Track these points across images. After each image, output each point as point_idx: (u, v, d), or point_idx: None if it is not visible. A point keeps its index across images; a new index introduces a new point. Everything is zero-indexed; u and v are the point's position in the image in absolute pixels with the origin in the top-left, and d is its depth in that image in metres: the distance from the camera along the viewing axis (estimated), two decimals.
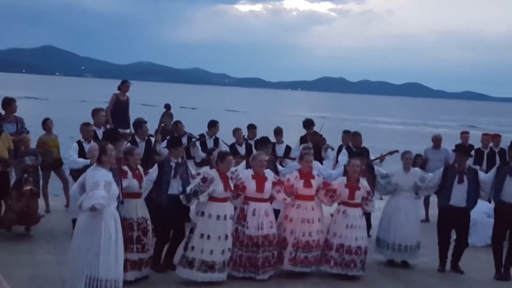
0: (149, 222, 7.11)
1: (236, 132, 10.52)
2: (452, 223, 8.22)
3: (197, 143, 10.10)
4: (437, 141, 11.62)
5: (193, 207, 7.38)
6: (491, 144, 11.50)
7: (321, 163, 10.30)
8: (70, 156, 8.41)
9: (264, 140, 8.43)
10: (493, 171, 8.33)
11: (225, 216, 7.08)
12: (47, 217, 9.41)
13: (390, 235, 8.36)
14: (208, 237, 6.96)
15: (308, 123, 10.71)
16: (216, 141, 10.61)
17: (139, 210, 7.00)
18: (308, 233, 7.46)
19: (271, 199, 7.45)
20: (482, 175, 8.38)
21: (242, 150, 10.30)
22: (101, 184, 5.80)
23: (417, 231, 8.47)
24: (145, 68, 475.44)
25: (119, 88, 11.15)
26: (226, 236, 7.08)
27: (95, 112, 9.74)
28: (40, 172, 9.95)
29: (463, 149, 8.52)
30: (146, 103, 46.16)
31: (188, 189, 7.03)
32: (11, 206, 8.57)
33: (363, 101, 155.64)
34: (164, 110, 10.15)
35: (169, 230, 7.50)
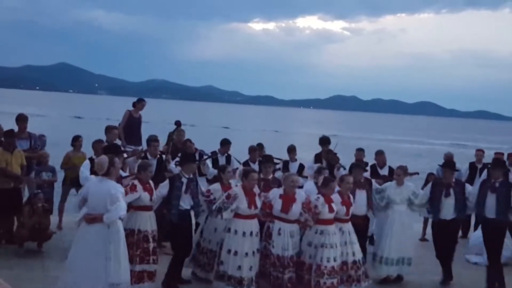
0: (157, 234, 7.36)
1: (252, 150, 10.48)
2: (444, 236, 8.29)
3: (208, 160, 10.10)
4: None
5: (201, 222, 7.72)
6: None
7: None
8: (82, 172, 8.43)
9: (267, 158, 8.59)
10: (477, 186, 8.44)
11: (251, 232, 7.15)
12: (59, 234, 9.43)
13: (385, 249, 8.37)
14: (236, 253, 7.06)
15: (324, 141, 10.69)
16: (229, 158, 10.61)
17: (153, 222, 7.26)
18: (333, 258, 7.27)
19: (298, 220, 7.32)
20: (469, 188, 8.51)
21: (255, 168, 10.26)
22: (120, 196, 6.23)
23: (411, 244, 8.56)
24: (158, 85, 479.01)
25: (133, 105, 11.21)
26: (253, 253, 7.14)
27: (108, 130, 9.79)
28: (60, 189, 10.06)
29: (448, 164, 8.68)
30: (159, 121, 46.37)
31: (214, 206, 7.28)
32: (23, 222, 8.61)
33: (376, 119, 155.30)
34: (175, 127, 10.17)
35: (189, 245, 7.67)
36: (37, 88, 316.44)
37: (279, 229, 7.18)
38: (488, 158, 11.83)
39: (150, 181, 7.41)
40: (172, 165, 9.36)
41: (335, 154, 10.41)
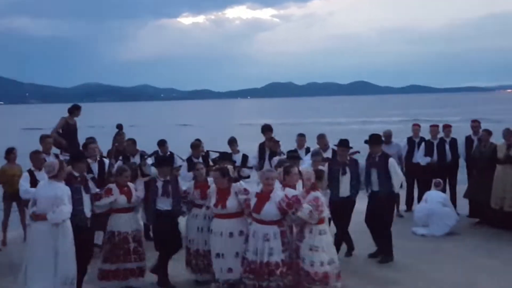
0: (142, 233, 7.76)
1: (194, 146, 10.38)
2: (341, 213, 8.50)
3: (149, 160, 9.99)
4: (388, 136, 11.77)
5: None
6: (441, 135, 11.77)
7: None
8: (21, 186, 8.17)
9: (225, 155, 8.50)
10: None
11: (230, 233, 6.86)
12: (3, 250, 9.14)
13: None
14: (213, 253, 6.99)
15: (266, 128, 10.67)
16: (171, 156, 10.52)
17: (132, 223, 7.52)
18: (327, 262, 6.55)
19: (278, 222, 6.49)
20: (361, 164, 8.82)
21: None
22: (65, 199, 6.65)
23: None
24: (92, 89, 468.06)
25: (69, 112, 10.90)
26: (227, 254, 6.87)
27: (43, 139, 9.50)
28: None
29: (342, 142, 8.94)
30: (94, 125, 45.36)
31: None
32: None
33: (313, 103, 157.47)
34: (117, 130, 10.01)
35: (173, 244, 7.61)
36: None
37: (254, 232, 6.58)
38: (424, 131, 12.22)
39: (129, 184, 7.62)
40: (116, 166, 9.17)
41: (277, 141, 10.45)
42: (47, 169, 6.78)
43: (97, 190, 7.56)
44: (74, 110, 10.91)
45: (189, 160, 10.29)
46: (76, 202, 6.95)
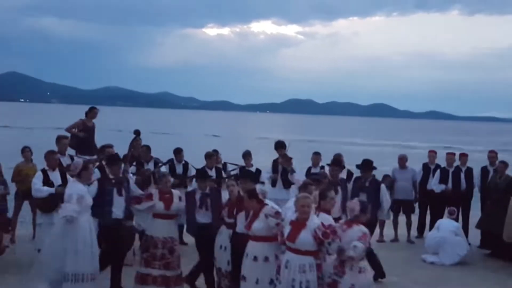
0: (176, 242, 7.54)
1: (209, 156, 10.41)
2: None
3: (163, 168, 10.04)
4: (402, 161, 11.76)
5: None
6: (457, 163, 11.69)
7: (288, 186, 10.38)
8: (34, 184, 8.27)
9: (200, 172, 8.14)
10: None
11: (255, 257, 6.37)
12: (12, 248, 9.19)
13: None
14: (244, 278, 6.43)
15: (279, 145, 10.64)
16: (186, 166, 10.58)
17: (166, 230, 7.46)
18: None
19: (314, 253, 5.99)
20: (350, 186, 8.86)
21: (212, 173, 10.24)
22: (74, 197, 6.90)
23: None
24: (112, 93, 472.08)
25: (86, 114, 11.03)
26: (257, 281, 6.34)
27: (59, 140, 9.60)
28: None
29: (335, 162, 9.11)
30: (113, 129, 45.69)
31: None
32: None
33: (331, 122, 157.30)
34: (133, 136, 10.07)
35: (205, 258, 7.56)
36: None
37: (287, 262, 6.03)
38: (440, 158, 12.14)
39: (173, 191, 7.67)
40: (129, 175, 9.22)
41: (290, 158, 10.45)
42: (71, 168, 7.23)
43: (140, 193, 7.73)
44: (90, 112, 11.03)
45: (202, 170, 10.31)
46: (106, 203, 7.27)
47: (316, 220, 6.06)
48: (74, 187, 7.06)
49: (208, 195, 7.55)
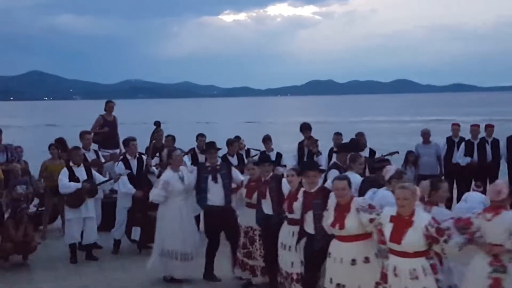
0: (256, 232, 7.28)
1: (230, 143, 10.42)
2: None
3: (186, 158, 10.09)
4: (426, 135, 11.63)
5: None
6: (482, 135, 11.54)
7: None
8: (60, 180, 8.42)
9: (209, 145, 8.04)
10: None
11: (353, 260, 5.46)
12: (43, 244, 9.33)
13: None
14: (343, 287, 5.53)
15: (305, 127, 10.60)
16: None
17: (246, 218, 7.40)
18: None
19: (425, 253, 5.02)
20: None
21: (234, 161, 10.27)
22: (160, 183, 7.61)
23: None
24: (134, 86, 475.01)
25: (104, 109, 11.14)
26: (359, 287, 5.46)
27: (82, 135, 9.74)
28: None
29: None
30: (136, 122, 46.06)
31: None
32: (7, 235, 8.51)
33: (353, 101, 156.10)
34: (154, 127, 10.15)
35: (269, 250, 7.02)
36: (11, 98, 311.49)
37: (394, 268, 5.09)
38: (464, 131, 11.98)
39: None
40: (152, 168, 9.31)
41: (316, 140, 10.38)
42: (173, 160, 7.81)
43: (242, 181, 7.59)
44: (106, 106, 11.17)
45: (224, 158, 10.33)
46: (202, 190, 7.55)
47: (423, 214, 5.10)
48: (165, 173, 7.80)
49: (268, 182, 7.10)
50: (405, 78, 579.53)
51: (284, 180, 6.91)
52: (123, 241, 9.20)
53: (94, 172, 8.81)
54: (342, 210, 5.52)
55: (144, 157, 9.30)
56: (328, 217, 5.63)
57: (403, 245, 4.96)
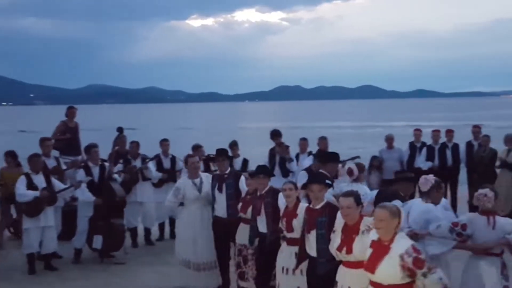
0: (250, 251, 6.72)
1: (196, 149, 10.38)
2: None
3: (151, 164, 10.00)
4: (390, 140, 11.80)
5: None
6: (444, 141, 11.74)
7: (287, 175, 10.26)
8: (17, 189, 8.18)
9: (217, 152, 7.55)
10: None
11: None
12: (1, 254, 9.13)
13: None
14: None
15: (275, 134, 10.61)
16: (173, 160, 10.53)
17: (239, 235, 6.94)
18: None
19: (407, 286, 4.31)
20: None
21: (201, 166, 10.21)
22: (172, 190, 7.60)
23: None
24: (98, 90, 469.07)
25: (66, 115, 10.93)
26: None
27: (42, 142, 9.51)
28: None
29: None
30: (99, 128, 45.39)
31: None
32: None
33: (320, 107, 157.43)
34: (117, 133, 10.03)
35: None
36: None
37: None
38: (426, 136, 12.17)
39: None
40: (115, 175, 9.18)
41: (287, 146, 10.42)
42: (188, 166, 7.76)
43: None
44: (68, 112, 10.92)
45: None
46: (212, 199, 7.28)
47: (403, 241, 4.32)
48: (179, 180, 7.91)
49: (263, 197, 6.45)
50: (370, 84, 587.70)
51: (281, 195, 6.11)
52: (84, 250, 9.01)
53: (53, 179, 8.61)
54: (350, 232, 4.77)
55: (107, 164, 9.15)
56: (335, 240, 4.88)
57: (377, 275, 4.30)
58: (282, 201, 6.05)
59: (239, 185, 7.22)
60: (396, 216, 4.30)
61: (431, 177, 5.85)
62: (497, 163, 10.64)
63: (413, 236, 5.26)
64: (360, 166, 7.10)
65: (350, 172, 6.91)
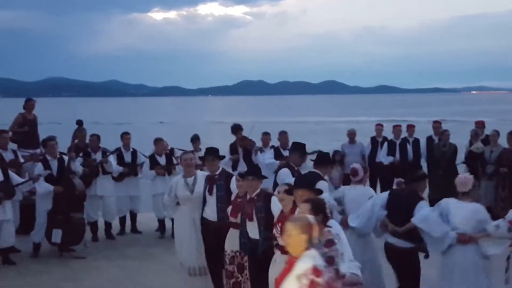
0: (245, 257, 6.09)
1: (158, 142, 10.29)
2: None
3: (112, 158, 9.88)
4: (352, 135, 11.94)
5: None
6: (405, 136, 11.92)
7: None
8: None
9: (207, 151, 6.99)
10: None
11: None
12: None
13: None
14: None
15: (236, 128, 10.61)
16: (134, 153, 10.42)
17: (230, 242, 6.30)
18: None
19: None
20: None
21: (162, 160, 10.17)
22: (166, 191, 7.20)
23: None
24: (57, 83, 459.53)
25: (24, 107, 10.69)
26: None
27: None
28: None
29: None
30: (57, 121, 44.58)
31: None
32: None
33: (283, 102, 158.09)
34: (76, 126, 9.87)
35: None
36: None
37: None
38: (387, 131, 12.35)
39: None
40: (77, 164, 9.07)
41: (250, 139, 10.44)
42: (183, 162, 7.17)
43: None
44: (26, 104, 10.68)
45: (151, 157, 10.21)
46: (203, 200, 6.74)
47: (308, 259, 3.72)
48: (174, 178, 7.65)
49: (254, 200, 5.84)
50: (334, 79, 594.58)
51: (274, 198, 5.69)
52: (43, 244, 8.86)
53: (11, 173, 8.41)
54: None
55: (66, 157, 8.99)
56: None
57: None
58: (276, 206, 5.55)
59: (230, 187, 6.58)
60: (305, 231, 3.75)
61: (470, 176, 5.77)
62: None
63: (468, 240, 5.35)
64: (365, 168, 6.75)
65: (354, 172, 6.49)
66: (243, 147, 10.35)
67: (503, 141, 10.60)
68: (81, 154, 9.72)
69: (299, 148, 7.35)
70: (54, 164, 8.78)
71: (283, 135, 10.53)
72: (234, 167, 10.24)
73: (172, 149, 10.62)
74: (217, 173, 6.75)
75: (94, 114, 63.02)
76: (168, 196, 7.08)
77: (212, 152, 6.81)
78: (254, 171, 6.05)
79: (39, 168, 8.69)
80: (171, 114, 77.93)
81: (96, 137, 10.09)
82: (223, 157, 7.37)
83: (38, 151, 10.07)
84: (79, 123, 9.68)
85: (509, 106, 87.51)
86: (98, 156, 9.84)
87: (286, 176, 6.89)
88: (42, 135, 10.19)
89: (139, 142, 10.84)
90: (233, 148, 10.52)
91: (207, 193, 6.68)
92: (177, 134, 15.84)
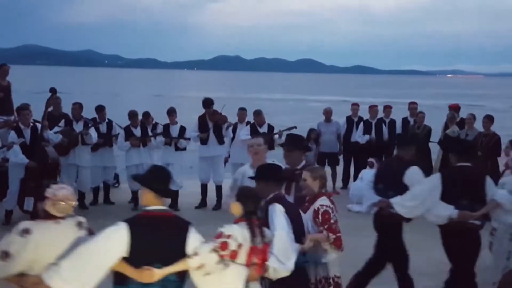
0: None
1: (132, 115, 10.21)
2: None
3: (92, 130, 9.81)
4: (328, 114, 12.01)
5: None
6: (381, 116, 12.00)
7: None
8: None
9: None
10: None
11: None
12: None
13: None
14: None
15: (207, 102, 10.52)
16: (110, 124, 10.35)
17: None
18: None
19: None
20: None
21: (137, 132, 10.11)
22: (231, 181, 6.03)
23: None
24: (31, 51, 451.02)
25: None
26: None
27: None
28: None
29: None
30: (33, 89, 43.85)
31: None
32: None
33: (259, 78, 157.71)
34: (50, 94, 9.73)
35: None
36: None
37: None
38: (363, 111, 12.45)
39: None
40: (50, 132, 8.97)
41: (221, 114, 10.38)
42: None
43: None
44: (0, 69, 10.44)
45: (127, 128, 10.17)
46: None
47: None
48: (240, 168, 6.41)
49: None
50: (310, 57, 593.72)
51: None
52: (15, 211, 8.78)
53: None
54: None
55: (39, 125, 8.88)
56: None
57: None
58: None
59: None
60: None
61: None
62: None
63: None
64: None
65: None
66: (213, 121, 10.30)
67: (478, 125, 10.79)
68: (62, 123, 9.63)
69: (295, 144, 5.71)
70: (27, 133, 8.70)
71: (258, 115, 10.52)
72: (204, 142, 10.27)
73: (156, 124, 10.57)
74: (299, 167, 5.30)
75: (79, 85, 62.05)
76: (231, 190, 5.56)
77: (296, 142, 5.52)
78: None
79: (12, 136, 8.58)
80: (155, 88, 77.17)
81: (78, 105, 10.00)
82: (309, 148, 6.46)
83: (12, 118, 9.91)
84: (53, 91, 9.54)
85: (485, 91, 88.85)
86: (79, 126, 9.76)
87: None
88: (17, 103, 10.02)
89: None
90: (201, 121, 10.45)
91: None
92: (158, 107, 15.67)
